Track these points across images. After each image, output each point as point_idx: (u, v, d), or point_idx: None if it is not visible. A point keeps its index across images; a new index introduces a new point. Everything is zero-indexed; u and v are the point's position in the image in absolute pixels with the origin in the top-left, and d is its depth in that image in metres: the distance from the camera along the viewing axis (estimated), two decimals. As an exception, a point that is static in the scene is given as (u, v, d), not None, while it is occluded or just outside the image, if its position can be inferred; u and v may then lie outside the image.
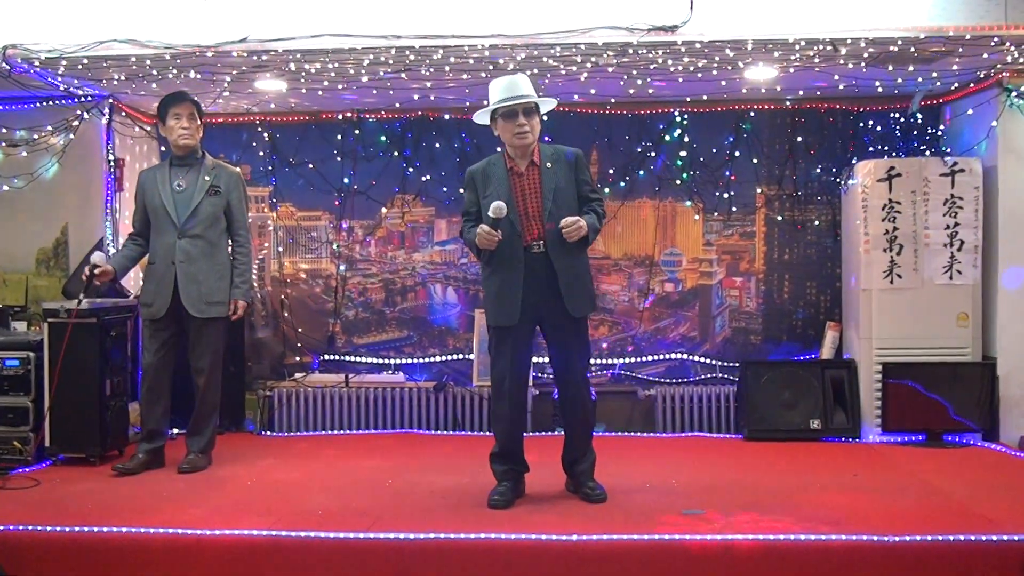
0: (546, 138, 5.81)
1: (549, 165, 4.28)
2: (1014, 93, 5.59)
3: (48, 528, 3.88)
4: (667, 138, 6.49)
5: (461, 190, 4.39)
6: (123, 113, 6.20)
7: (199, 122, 5.02)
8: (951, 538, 3.67)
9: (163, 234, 4.94)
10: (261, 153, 6.68)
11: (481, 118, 4.39)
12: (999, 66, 5.45)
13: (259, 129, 6.65)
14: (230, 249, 5.10)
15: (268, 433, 6.26)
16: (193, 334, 4.97)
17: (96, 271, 4.87)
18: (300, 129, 6.65)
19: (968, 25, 4.81)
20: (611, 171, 6.49)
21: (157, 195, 4.95)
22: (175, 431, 5.60)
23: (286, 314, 6.68)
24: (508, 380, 4.29)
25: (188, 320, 4.93)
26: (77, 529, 3.87)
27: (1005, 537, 3.67)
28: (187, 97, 5.02)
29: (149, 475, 4.89)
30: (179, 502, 4.35)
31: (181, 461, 4.96)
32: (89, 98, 5.93)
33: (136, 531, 3.85)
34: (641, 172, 6.51)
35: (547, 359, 5.98)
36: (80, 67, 5.24)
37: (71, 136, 5.99)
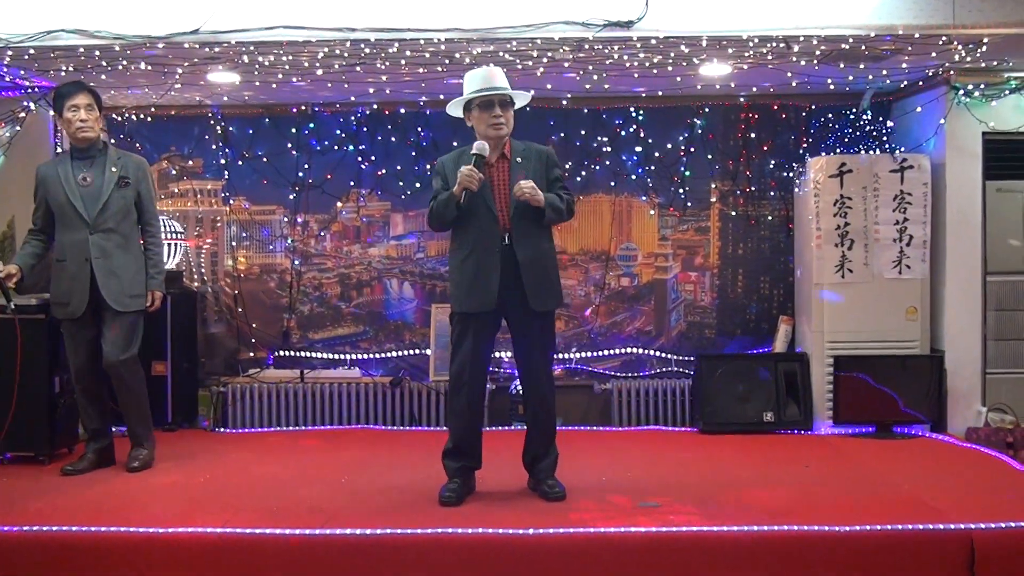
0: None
1: (519, 160, 4.29)
2: (961, 91, 5.71)
3: (-5, 528, 3.81)
4: (623, 133, 6.52)
5: (433, 183, 4.34)
6: (71, 105, 6.09)
7: (98, 113, 4.82)
8: (899, 527, 3.75)
9: (72, 230, 4.75)
10: (214, 146, 6.60)
11: (454, 109, 4.38)
12: (947, 64, 5.56)
13: (211, 122, 6.57)
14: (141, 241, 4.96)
15: (222, 430, 6.19)
16: (110, 328, 4.78)
17: (0, 275, 4.74)
18: (253, 122, 6.58)
19: (917, 24, 4.89)
20: (567, 166, 6.51)
21: (61, 191, 4.74)
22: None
23: (239, 309, 6.62)
24: (468, 371, 4.27)
25: (106, 314, 4.77)
26: (26, 529, 3.80)
27: (951, 526, 3.76)
28: (83, 87, 4.81)
29: (100, 473, 4.82)
30: (131, 500, 4.30)
31: (128, 460, 4.83)
32: (36, 89, 5.82)
33: (87, 530, 3.80)
34: (597, 167, 6.54)
35: (504, 353, 6.09)
36: (27, 58, 5.13)
37: (17, 128, 5.86)
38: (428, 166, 6.49)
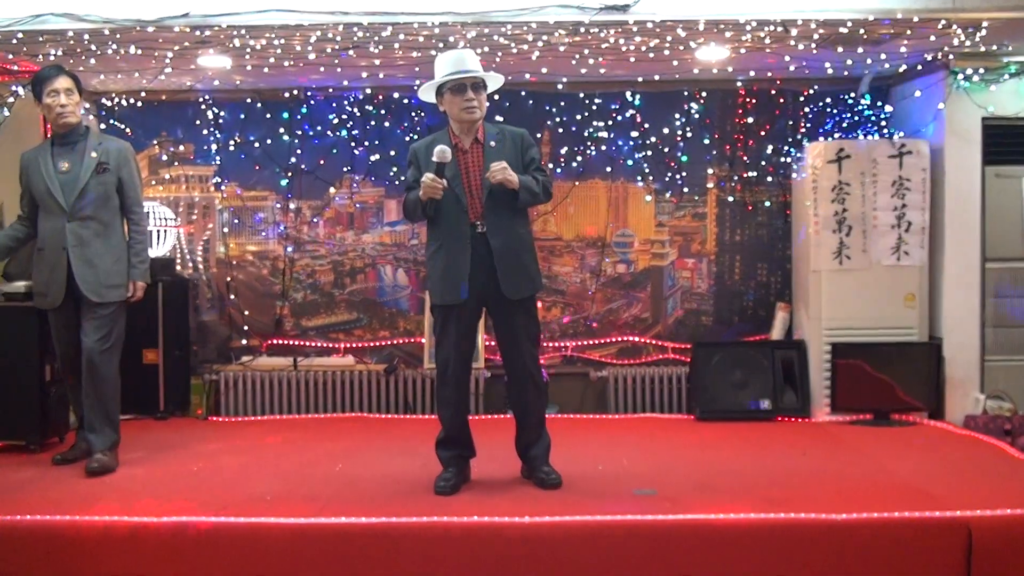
0: (498, 117, 5.82)
1: (493, 144, 4.27)
2: (960, 75, 5.71)
3: (-14, 517, 3.81)
4: (619, 118, 6.52)
5: (408, 172, 4.35)
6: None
7: (79, 97, 4.73)
8: (896, 515, 3.77)
9: (51, 218, 4.68)
10: (205, 132, 6.58)
11: (426, 93, 4.36)
12: (946, 49, 5.55)
13: (202, 107, 6.55)
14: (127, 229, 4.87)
15: (215, 418, 6.21)
16: (88, 319, 4.68)
17: None
18: (245, 107, 6.56)
19: (916, 8, 4.89)
20: (563, 151, 6.51)
21: (41, 180, 4.67)
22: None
23: (232, 297, 6.61)
24: (453, 363, 4.27)
25: (84, 305, 4.68)
26: (17, 518, 3.81)
27: (949, 514, 3.77)
28: (62, 71, 4.67)
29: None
30: (123, 489, 4.30)
31: (88, 461, 4.62)
32: (26, 74, 5.79)
33: (79, 519, 3.80)
34: (593, 152, 6.54)
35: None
36: (15, 42, 5.10)
37: (6, 113, 5.84)
38: (422, 152, 6.49)
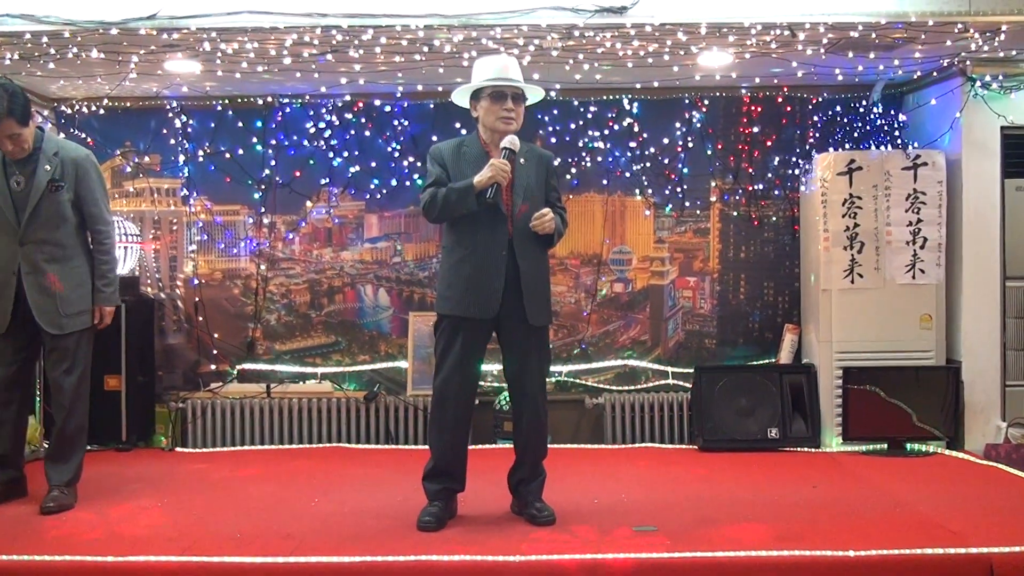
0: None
1: (523, 161, 4.31)
2: (978, 83, 5.76)
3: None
4: (616, 127, 6.55)
5: (429, 168, 4.35)
6: (17, 96, 6.06)
7: (26, 125, 4.48)
8: (913, 552, 3.77)
9: (4, 236, 4.59)
10: (172, 141, 6.58)
11: (461, 96, 4.41)
12: (963, 54, 5.60)
13: (170, 115, 6.55)
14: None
15: (181, 449, 6.18)
16: (49, 349, 4.62)
17: None
18: (216, 115, 6.57)
19: (931, 11, 4.93)
20: (555, 163, 6.51)
21: None
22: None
23: (200, 318, 6.60)
24: (455, 384, 4.26)
25: (44, 334, 4.60)
26: (-34, 558, 3.78)
27: (969, 550, 3.77)
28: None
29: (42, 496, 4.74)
30: (79, 525, 4.27)
31: (44, 499, 4.54)
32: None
33: (35, 560, 3.76)
34: (588, 164, 6.56)
35: (488, 366, 6.08)
36: (-33, 45, 5.12)
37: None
38: (405, 163, 6.51)
